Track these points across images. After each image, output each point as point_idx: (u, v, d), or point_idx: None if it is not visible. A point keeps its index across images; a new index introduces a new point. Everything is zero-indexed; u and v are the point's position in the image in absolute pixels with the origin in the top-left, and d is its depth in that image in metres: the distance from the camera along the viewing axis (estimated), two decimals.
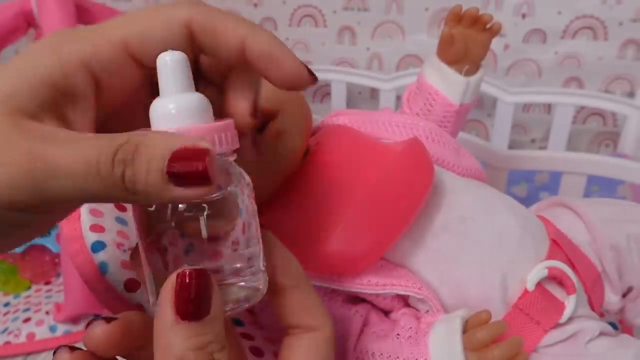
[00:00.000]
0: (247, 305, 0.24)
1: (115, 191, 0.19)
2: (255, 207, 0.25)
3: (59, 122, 0.21)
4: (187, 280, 0.20)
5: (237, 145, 0.24)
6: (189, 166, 0.19)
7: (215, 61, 0.24)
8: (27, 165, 0.18)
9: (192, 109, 0.22)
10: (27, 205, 0.19)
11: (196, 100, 0.22)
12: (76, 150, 0.19)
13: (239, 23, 0.22)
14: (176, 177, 0.19)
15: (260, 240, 0.25)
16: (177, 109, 0.22)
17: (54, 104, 0.20)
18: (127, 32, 0.21)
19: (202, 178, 0.19)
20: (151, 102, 0.22)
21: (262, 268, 0.25)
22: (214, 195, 0.22)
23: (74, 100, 0.21)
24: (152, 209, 0.22)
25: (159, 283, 0.22)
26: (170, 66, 0.22)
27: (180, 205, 0.22)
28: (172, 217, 0.22)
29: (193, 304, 0.20)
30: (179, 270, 0.20)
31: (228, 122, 0.23)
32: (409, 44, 0.91)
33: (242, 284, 0.24)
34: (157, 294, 0.22)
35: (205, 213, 0.22)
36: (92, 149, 0.19)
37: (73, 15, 0.73)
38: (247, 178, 0.25)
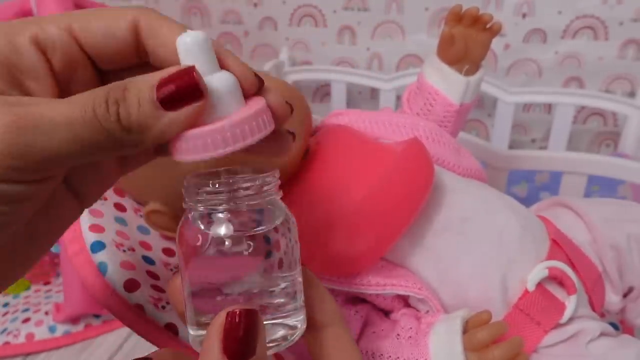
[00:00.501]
0: (286, 345, 0.24)
1: (113, 132, 0.19)
2: (298, 244, 0.25)
3: (19, 91, 0.21)
4: (237, 320, 0.20)
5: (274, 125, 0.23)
6: (177, 82, 0.20)
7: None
8: (17, 124, 0.18)
9: (231, 89, 0.21)
10: (20, 170, 0.19)
11: (230, 78, 0.22)
12: (69, 103, 0.19)
13: (180, 28, 0.22)
14: (168, 101, 0.20)
15: (301, 276, 0.25)
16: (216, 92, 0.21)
17: (16, 80, 0.21)
18: (73, 19, 0.22)
19: (193, 91, 0.20)
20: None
21: (302, 304, 0.25)
22: (259, 229, 0.22)
23: (33, 75, 0.22)
24: (199, 243, 0.22)
25: (200, 314, 0.23)
26: (194, 47, 0.21)
27: (226, 242, 0.22)
28: (217, 251, 0.22)
29: (241, 344, 0.20)
30: (230, 309, 0.21)
31: (261, 102, 0.22)
32: (409, 44, 0.91)
33: (285, 321, 0.24)
34: (196, 323, 0.22)
35: (250, 249, 0.22)
36: (85, 98, 0.19)
37: None
38: (291, 215, 0.25)
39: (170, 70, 0.20)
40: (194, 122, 0.20)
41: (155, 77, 0.20)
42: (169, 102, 0.20)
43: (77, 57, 0.23)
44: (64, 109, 0.19)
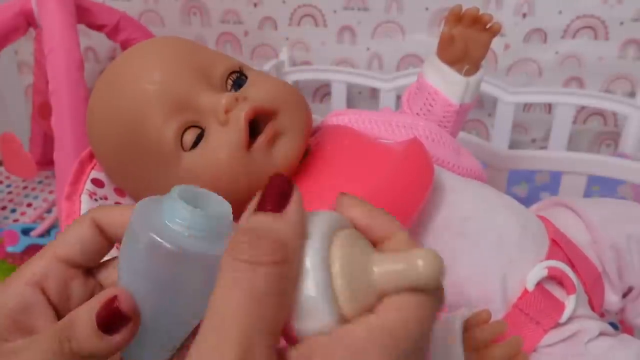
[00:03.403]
0: None
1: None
2: None
3: (22, 334, 0.26)
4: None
5: None
6: (108, 312, 0.24)
7: None
8: None
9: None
10: None
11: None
12: (29, 350, 0.24)
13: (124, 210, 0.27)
14: (106, 327, 0.24)
15: None
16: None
17: (19, 324, 0.26)
18: (53, 246, 0.28)
19: (120, 319, 0.24)
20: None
21: None
22: None
23: (35, 314, 0.26)
24: None
25: None
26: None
27: None
28: None
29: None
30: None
31: None
32: (409, 44, 0.91)
33: None
34: None
35: None
36: (42, 341, 0.25)
37: (73, 15, 0.73)
38: None
39: (100, 297, 0.24)
40: (131, 338, 0.24)
41: (91, 306, 0.24)
42: (109, 328, 0.24)
43: (67, 276, 0.27)
44: (29, 356, 0.24)
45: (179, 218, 0.23)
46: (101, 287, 0.28)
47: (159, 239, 0.22)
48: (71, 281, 0.28)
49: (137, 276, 0.24)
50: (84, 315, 0.24)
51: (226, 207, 0.25)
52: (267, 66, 0.88)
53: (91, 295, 0.27)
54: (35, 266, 0.27)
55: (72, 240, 0.28)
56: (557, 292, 0.41)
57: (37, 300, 0.27)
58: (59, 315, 0.27)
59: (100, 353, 0.24)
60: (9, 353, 0.25)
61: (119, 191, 0.45)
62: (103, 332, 0.24)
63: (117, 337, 0.24)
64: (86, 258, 0.28)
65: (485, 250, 0.41)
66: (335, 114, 0.50)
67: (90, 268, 0.29)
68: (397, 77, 0.88)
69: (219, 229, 0.24)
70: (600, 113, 0.90)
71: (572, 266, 0.42)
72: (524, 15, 0.85)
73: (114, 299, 0.24)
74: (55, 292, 0.27)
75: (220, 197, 0.25)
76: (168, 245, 0.22)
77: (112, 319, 0.24)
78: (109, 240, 0.28)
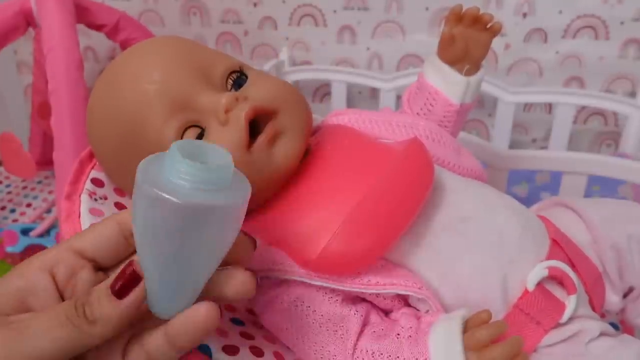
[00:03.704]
0: None
1: (81, 326, 0.25)
2: None
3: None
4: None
5: None
6: (123, 276, 0.26)
7: None
8: (9, 336, 0.25)
9: None
10: None
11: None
12: (47, 313, 0.26)
13: None
14: (119, 291, 0.26)
15: None
16: None
17: (24, 304, 0.28)
18: (71, 241, 0.29)
19: (134, 278, 0.26)
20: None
21: None
22: None
23: (41, 295, 0.28)
24: None
25: None
26: None
27: None
28: None
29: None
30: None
31: None
32: (409, 44, 0.91)
33: None
34: None
35: None
36: (59, 307, 0.26)
37: (73, 14, 0.73)
38: None
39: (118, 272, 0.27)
40: (141, 302, 0.26)
41: (109, 279, 0.26)
42: (120, 292, 0.26)
43: (77, 265, 0.29)
44: (45, 319, 0.26)
45: (181, 172, 0.24)
46: None
47: (163, 193, 0.24)
48: (80, 270, 0.29)
49: (146, 231, 0.25)
50: (102, 285, 0.26)
51: (227, 158, 0.26)
52: (267, 66, 0.88)
53: None
54: (49, 253, 0.29)
55: (89, 235, 0.29)
56: (557, 292, 0.41)
57: (46, 284, 0.28)
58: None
59: (113, 317, 0.25)
60: (18, 322, 0.26)
61: (119, 191, 0.45)
62: (117, 297, 0.26)
63: (128, 300, 0.26)
64: (100, 253, 0.29)
65: (485, 250, 0.40)
66: (335, 113, 0.50)
67: (104, 266, 0.30)
68: (397, 77, 0.88)
69: (220, 180, 0.25)
70: (600, 113, 0.90)
71: (573, 266, 0.42)
72: (525, 15, 0.85)
73: (129, 264, 0.26)
74: (63, 278, 0.28)
75: (221, 148, 0.27)
76: (172, 199, 0.24)
77: (125, 282, 0.26)
78: (130, 242, 0.30)
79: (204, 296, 0.28)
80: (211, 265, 0.27)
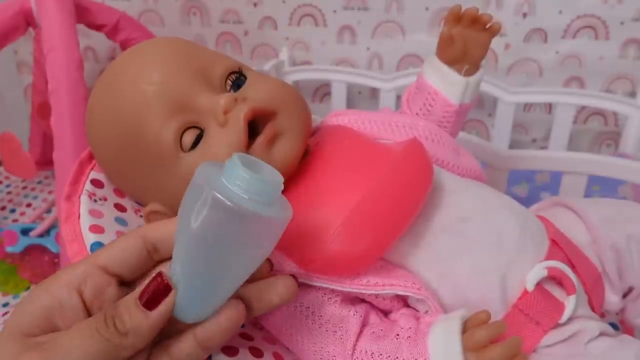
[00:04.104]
0: None
1: (113, 340, 0.25)
2: None
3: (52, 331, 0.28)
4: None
5: None
6: (152, 287, 0.26)
7: None
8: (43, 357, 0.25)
9: None
10: None
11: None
12: (78, 330, 0.26)
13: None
14: (148, 302, 0.26)
15: None
16: None
17: (52, 325, 0.28)
18: (96, 255, 0.30)
19: (164, 288, 0.26)
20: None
21: None
22: None
23: (68, 314, 0.28)
24: None
25: None
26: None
27: None
28: None
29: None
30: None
31: None
32: (409, 44, 0.91)
33: None
34: None
35: None
36: (89, 322, 0.26)
37: (73, 14, 0.73)
38: None
39: (143, 285, 0.27)
40: (171, 311, 0.27)
41: (134, 294, 0.27)
42: (149, 303, 0.26)
43: (104, 282, 0.29)
44: (76, 335, 0.26)
45: (239, 180, 0.26)
46: None
47: (221, 197, 0.25)
48: (107, 287, 0.29)
49: (190, 234, 0.26)
50: (129, 297, 0.27)
51: (279, 176, 0.28)
52: (267, 66, 0.88)
53: None
54: (76, 269, 0.29)
55: (114, 250, 0.30)
56: (557, 292, 0.41)
57: (74, 303, 0.28)
58: None
59: (144, 328, 0.26)
60: (48, 342, 0.26)
61: (119, 192, 0.45)
62: (145, 308, 0.26)
63: (158, 310, 0.26)
64: (125, 268, 0.30)
65: (484, 251, 0.40)
66: (335, 114, 0.50)
67: (127, 280, 0.30)
68: (397, 77, 0.88)
69: (272, 194, 0.27)
70: (600, 113, 0.90)
71: (572, 266, 0.42)
72: (524, 15, 0.85)
73: (159, 275, 0.27)
74: (90, 296, 0.29)
75: (272, 167, 0.29)
76: (229, 203, 0.25)
77: (154, 293, 0.26)
78: (153, 256, 0.30)
79: (249, 307, 0.29)
80: (245, 276, 0.28)
